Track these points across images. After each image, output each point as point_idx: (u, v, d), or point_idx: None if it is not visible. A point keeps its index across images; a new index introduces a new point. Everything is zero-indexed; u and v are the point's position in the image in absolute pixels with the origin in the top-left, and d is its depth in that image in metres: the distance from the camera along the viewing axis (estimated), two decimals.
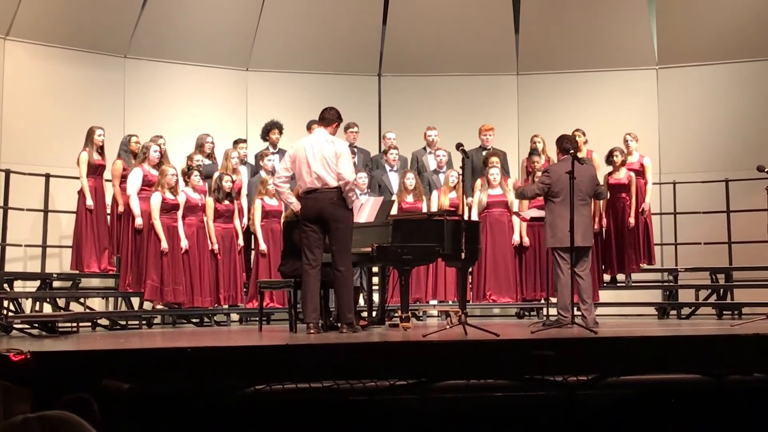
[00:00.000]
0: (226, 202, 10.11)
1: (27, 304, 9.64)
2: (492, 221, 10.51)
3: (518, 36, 13.03)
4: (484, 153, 11.01)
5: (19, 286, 9.93)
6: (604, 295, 10.75)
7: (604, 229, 10.73)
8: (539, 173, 9.76)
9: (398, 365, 5.29)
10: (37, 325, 8.56)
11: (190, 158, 10.46)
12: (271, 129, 11.00)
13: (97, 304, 10.63)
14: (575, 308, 8.09)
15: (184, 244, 9.72)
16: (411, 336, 7.29)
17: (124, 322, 9.82)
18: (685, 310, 10.79)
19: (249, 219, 10.37)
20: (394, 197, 10.37)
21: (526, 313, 10.94)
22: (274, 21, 12.63)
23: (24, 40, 11.09)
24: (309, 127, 10.31)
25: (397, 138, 11.38)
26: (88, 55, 11.62)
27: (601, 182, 10.50)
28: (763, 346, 5.73)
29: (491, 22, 13.02)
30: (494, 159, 10.68)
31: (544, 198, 8.38)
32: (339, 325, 7.70)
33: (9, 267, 9.99)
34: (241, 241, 10.27)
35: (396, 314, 8.78)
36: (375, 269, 9.72)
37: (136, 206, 9.73)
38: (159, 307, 9.79)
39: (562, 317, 8.03)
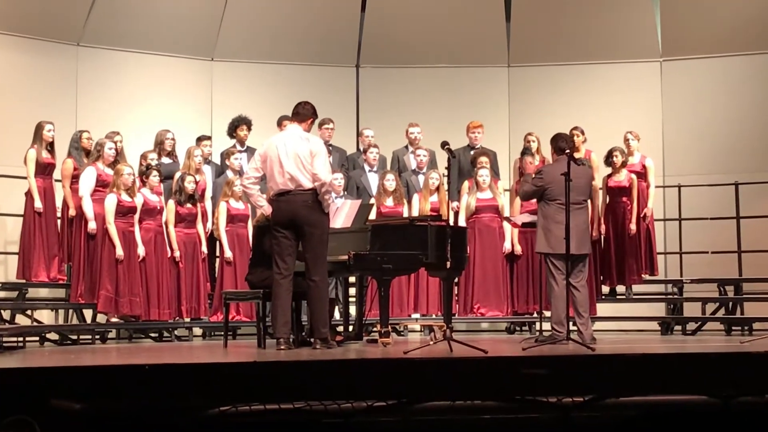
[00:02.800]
0: (189, 205, 10.09)
1: None
2: (481, 227, 10.53)
3: (510, 24, 13.06)
4: (472, 152, 11.01)
5: None
6: (603, 309, 10.77)
7: (602, 236, 10.76)
8: (533, 175, 9.80)
9: (377, 385, 5.30)
10: None
11: (143, 157, 10.42)
12: (238, 125, 10.97)
13: (45, 316, 10.59)
14: (571, 323, 8.12)
15: (141, 250, 9.70)
16: (391, 353, 7.31)
17: (75, 337, 9.78)
18: (691, 326, 10.83)
19: (213, 224, 10.36)
20: (373, 200, 10.38)
21: (518, 328, 10.95)
22: (242, 6, 12.61)
23: None
24: (280, 124, 10.31)
25: (376, 135, 11.36)
26: (36, 43, 11.55)
27: (600, 185, 10.58)
28: None
29: (480, 9, 13.04)
30: (483, 159, 10.69)
31: (537, 201, 8.40)
32: (312, 340, 7.69)
33: None
34: (204, 248, 10.25)
35: (375, 329, 8.80)
36: (352, 279, 9.73)
37: (89, 209, 9.69)
38: (114, 320, 9.76)
39: (557, 333, 8.05)
